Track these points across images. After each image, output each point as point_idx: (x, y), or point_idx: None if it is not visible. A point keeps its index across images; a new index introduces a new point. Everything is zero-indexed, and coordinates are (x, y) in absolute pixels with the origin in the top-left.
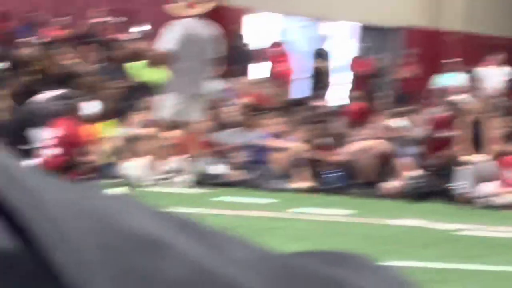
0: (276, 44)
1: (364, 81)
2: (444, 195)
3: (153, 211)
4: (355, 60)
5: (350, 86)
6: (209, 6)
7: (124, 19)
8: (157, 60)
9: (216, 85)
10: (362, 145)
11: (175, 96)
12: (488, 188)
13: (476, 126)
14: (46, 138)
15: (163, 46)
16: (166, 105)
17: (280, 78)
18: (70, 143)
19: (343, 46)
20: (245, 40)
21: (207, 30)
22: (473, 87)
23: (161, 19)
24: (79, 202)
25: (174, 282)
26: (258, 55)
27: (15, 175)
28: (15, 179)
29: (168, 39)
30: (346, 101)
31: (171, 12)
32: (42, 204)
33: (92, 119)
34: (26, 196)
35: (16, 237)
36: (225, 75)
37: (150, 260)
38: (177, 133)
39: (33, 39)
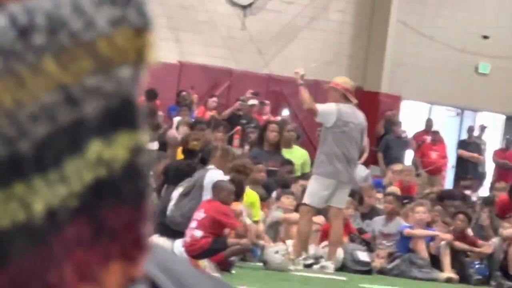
0: (431, 133)
1: (507, 173)
2: None
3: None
4: (497, 151)
5: (493, 178)
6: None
7: (267, 102)
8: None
9: (364, 172)
10: (509, 232)
11: (322, 181)
12: None
13: None
14: (195, 219)
15: (319, 109)
16: (313, 190)
17: (432, 167)
18: (217, 225)
19: (488, 137)
20: (401, 127)
21: (360, 118)
22: None
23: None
24: None
25: None
26: (413, 143)
27: (182, 279)
28: (183, 285)
29: (325, 110)
30: (491, 192)
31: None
32: None
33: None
34: None
35: None
36: (378, 162)
37: None
38: (321, 218)
39: (180, 119)
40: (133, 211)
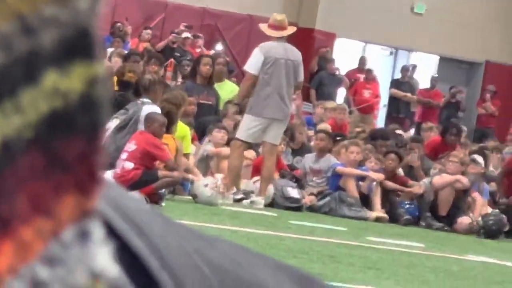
0: (365, 71)
1: (430, 112)
2: None
3: (273, 262)
4: (422, 90)
5: (417, 117)
6: (293, 29)
7: (201, 35)
8: (247, 85)
9: (297, 109)
10: (442, 180)
11: (254, 118)
12: None
13: None
14: (126, 150)
15: (245, 68)
16: (245, 126)
17: (364, 105)
18: (148, 157)
19: (421, 77)
20: (335, 64)
21: (292, 54)
22: None
23: (243, 38)
24: (199, 251)
25: None
26: (347, 81)
27: (136, 219)
28: (137, 224)
29: (254, 62)
30: (418, 132)
31: (263, 31)
32: (163, 254)
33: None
34: (148, 243)
35: (138, 284)
36: (310, 99)
37: None
38: (252, 153)
39: (113, 50)
40: (88, 143)
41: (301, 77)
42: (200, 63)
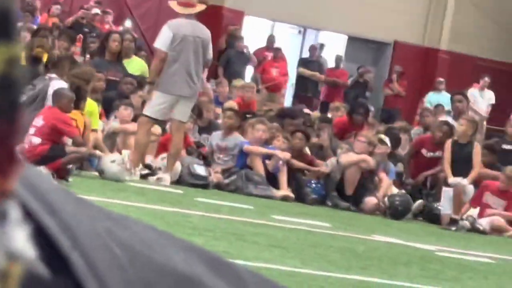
0: (273, 50)
1: (336, 91)
2: (426, 215)
3: (184, 244)
4: (328, 70)
5: (322, 96)
6: (202, 7)
7: (110, 11)
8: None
9: (206, 86)
10: (348, 159)
11: (162, 95)
12: (470, 211)
13: (460, 149)
14: (34, 125)
15: (155, 45)
16: (152, 102)
17: (272, 84)
18: (56, 132)
19: (330, 56)
20: (243, 42)
21: (201, 31)
22: (460, 109)
23: (152, 14)
24: (110, 231)
25: None
26: (254, 59)
27: (49, 199)
28: (49, 204)
29: (163, 39)
30: (324, 111)
31: (172, 7)
32: (75, 234)
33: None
34: (59, 223)
35: (51, 264)
36: (218, 76)
37: None
38: (158, 130)
39: (23, 25)
40: (6, 124)
41: (210, 55)
42: (108, 39)
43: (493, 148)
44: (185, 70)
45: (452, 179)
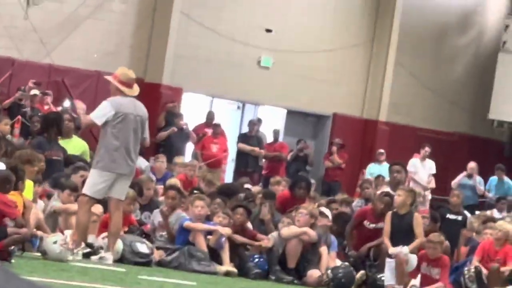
0: (212, 126)
1: (277, 166)
2: (370, 286)
3: None
4: (266, 145)
5: (264, 171)
6: (137, 88)
7: (49, 92)
8: (83, 128)
9: (144, 164)
10: (290, 232)
11: (101, 173)
12: (413, 281)
13: (399, 220)
14: None
15: (93, 117)
16: (92, 181)
17: (212, 160)
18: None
19: (269, 131)
20: (183, 119)
21: (141, 110)
22: (398, 179)
23: (91, 93)
24: None
25: None
26: (194, 136)
27: None
28: None
29: (100, 113)
30: (266, 186)
31: (118, 87)
32: None
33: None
34: None
35: None
36: (158, 153)
37: None
38: (99, 209)
39: None
40: None
41: (147, 133)
42: (51, 119)
43: (435, 217)
44: (125, 148)
45: (392, 249)
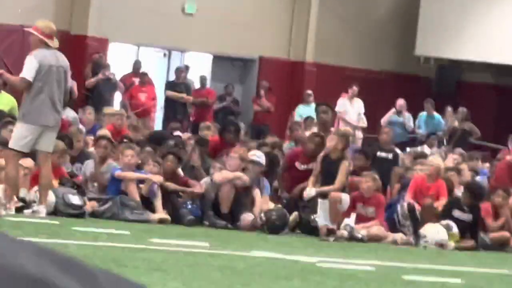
0: (139, 75)
1: (205, 111)
2: (304, 227)
3: (36, 249)
4: (193, 91)
5: (192, 117)
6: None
7: None
8: (15, 88)
9: (72, 115)
10: (221, 177)
11: (28, 126)
12: (346, 221)
13: (330, 164)
14: None
15: (22, 75)
16: (18, 135)
17: (141, 109)
18: None
19: (196, 77)
20: (110, 69)
21: (63, 61)
22: (325, 119)
23: (16, 48)
24: None
25: None
26: (122, 86)
27: None
28: None
29: (30, 69)
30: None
31: (40, 38)
32: None
33: None
34: None
35: None
36: (86, 105)
37: None
38: (29, 162)
39: None
40: None
41: (69, 83)
42: None
43: (366, 153)
44: (50, 100)
45: (308, 190)
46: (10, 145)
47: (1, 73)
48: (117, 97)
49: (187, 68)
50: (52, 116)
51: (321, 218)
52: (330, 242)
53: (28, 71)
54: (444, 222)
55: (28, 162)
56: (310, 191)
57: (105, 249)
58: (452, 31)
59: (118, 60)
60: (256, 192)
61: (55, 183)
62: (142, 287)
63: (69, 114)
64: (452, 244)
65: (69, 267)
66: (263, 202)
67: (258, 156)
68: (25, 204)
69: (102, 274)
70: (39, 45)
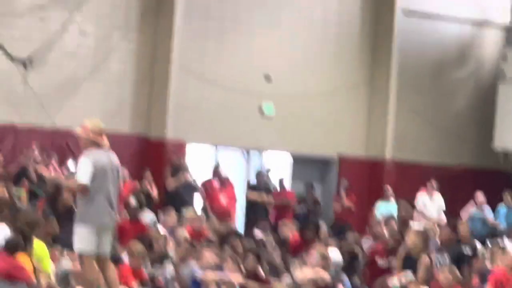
0: (219, 177)
1: (290, 212)
2: None
3: None
4: (276, 193)
5: (272, 218)
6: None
7: (53, 153)
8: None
9: (149, 217)
10: (303, 275)
11: (86, 228)
12: None
13: (411, 262)
14: None
15: (81, 179)
16: (79, 238)
17: (222, 210)
18: (10, 279)
19: (275, 176)
20: (188, 171)
21: (114, 159)
22: (406, 217)
23: None
24: None
25: None
26: (201, 188)
27: None
28: None
29: (85, 172)
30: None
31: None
32: None
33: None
34: None
35: None
36: (167, 207)
37: None
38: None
39: None
40: None
41: (121, 181)
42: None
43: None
44: (107, 200)
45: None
46: (77, 251)
47: (57, 178)
48: (197, 198)
49: (268, 171)
50: (109, 216)
51: None
52: None
53: (84, 174)
54: None
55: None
56: (394, 281)
57: None
58: None
59: (197, 162)
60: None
61: (136, 286)
62: None
63: (148, 216)
64: None
65: None
66: None
67: (335, 253)
68: None
69: None
70: (89, 145)
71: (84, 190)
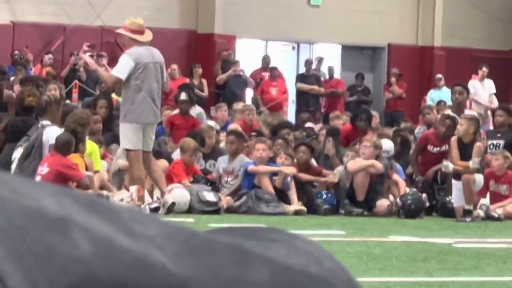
0: (269, 70)
1: (335, 101)
2: (440, 210)
3: (58, 189)
4: (326, 82)
5: (323, 108)
6: (150, 33)
7: (104, 54)
8: (109, 86)
9: (198, 111)
10: (356, 165)
11: (130, 126)
12: (482, 200)
13: (463, 148)
14: (39, 174)
15: (113, 72)
16: (124, 136)
17: (273, 104)
18: (61, 178)
19: (326, 68)
20: (239, 66)
21: (158, 56)
22: (459, 101)
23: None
24: None
25: (83, 256)
26: (252, 81)
27: None
28: None
29: (123, 68)
30: (327, 123)
31: (128, 36)
32: None
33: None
34: None
35: None
36: (217, 102)
37: (55, 237)
38: (164, 163)
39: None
40: None
41: (165, 78)
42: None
43: (509, 111)
44: (150, 97)
45: (445, 162)
46: (125, 146)
47: (96, 69)
48: (248, 93)
49: (320, 60)
50: (152, 113)
51: (456, 199)
52: (466, 223)
53: (121, 69)
54: None
55: (162, 162)
56: (448, 164)
57: None
58: None
59: (247, 56)
60: (396, 177)
61: (189, 180)
62: (178, 225)
63: (197, 110)
64: None
65: (93, 206)
66: (399, 186)
67: (387, 142)
68: (159, 203)
69: (130, 214)
70: (131, 44)
71: (117, 83)
